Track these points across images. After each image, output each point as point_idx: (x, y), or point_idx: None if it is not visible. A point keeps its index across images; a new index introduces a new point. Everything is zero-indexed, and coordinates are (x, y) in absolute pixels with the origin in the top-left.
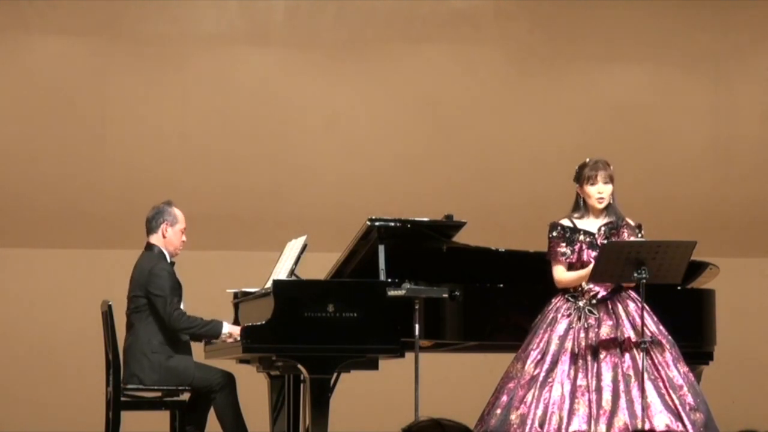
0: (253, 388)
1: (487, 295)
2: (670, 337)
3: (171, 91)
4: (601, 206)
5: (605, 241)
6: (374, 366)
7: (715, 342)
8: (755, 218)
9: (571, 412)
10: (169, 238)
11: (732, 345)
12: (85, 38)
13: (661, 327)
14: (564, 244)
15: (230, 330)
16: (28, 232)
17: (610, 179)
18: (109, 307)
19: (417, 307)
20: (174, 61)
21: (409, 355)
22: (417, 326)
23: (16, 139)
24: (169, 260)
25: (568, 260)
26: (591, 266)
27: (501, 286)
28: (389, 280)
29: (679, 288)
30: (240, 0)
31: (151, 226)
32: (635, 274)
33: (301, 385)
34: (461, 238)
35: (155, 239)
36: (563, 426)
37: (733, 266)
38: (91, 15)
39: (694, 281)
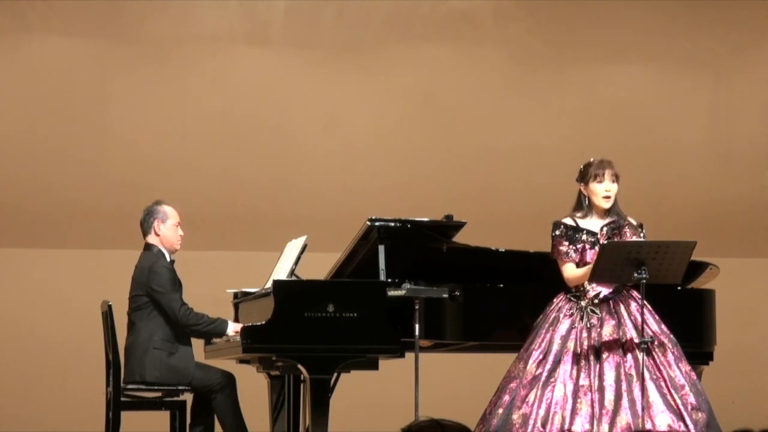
0: (253, 388)
1: (487, 295)
2: (672, 336)
3: (171, 91)
4: (608, 205)
5: (605, 242)
6: (374, 366)
7: (715, 342)
8: (755, 218)
9: (574, 412)
10: (163, 234)
11: (732, 345)
12: (86, 38)
13: (663, 326)
14: (567, 243)
15: (235, 329)
16: (28, 232)
17: (616, 178)
18: (109, 307)
19: (417, 307)
20: (174, 61)
21: (409, 355)
22: (417, 326)
23: (16, 139)
24: (168, 258)
25: (571, 259)
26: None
27: (501, 286)
28: (389, 280)
29: (679, 288)
30: (240, 0)
31: (144, 228)
32: (635, 275)
33: (301, 385)
34: (461, 238)
35: (151, 239)
36: (566, 426)
37: (733, 266)
38: (91, 15)
39: (694, 281)
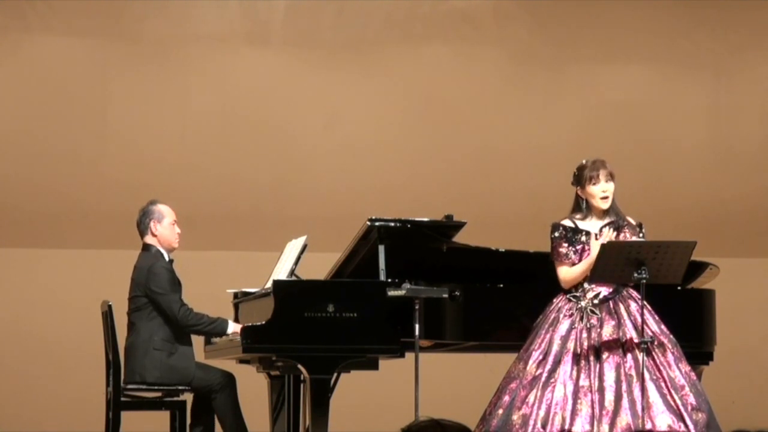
0: (253, 388)
1: (487, 295)
2: (671, 336)
3: (171, 91)
4: (606, 205)
5: (605, 242)
6: (374, 366)
7: (715, 342)
8: (755, 218)
9: (574, 412)
10: (160, 234)
11: (732, 345)
12: (86, 38)
13: (662, 326)
14: (566, 245)
15: (235, 329)
16: (28, 232)
17: (612, 177)
18: (109, 307)
19: (417, 307)
20: (174, 61)
21: (409, 355)
22: (417, 326)
23: (17, 139)
24: (167, 258)
25: (571, 261)
26: (591, 255)
27: (501, 286)
28: (389, 280)
29: (679, 288)
30: (240, 0)
31: (141, 229)
32: (635, 275)
33: (301, 385)
34: (461, 238)
35: (149, 239)
36: (566, 426)
37: (733, 266)
38: (91, 15)
39: (694, 281)
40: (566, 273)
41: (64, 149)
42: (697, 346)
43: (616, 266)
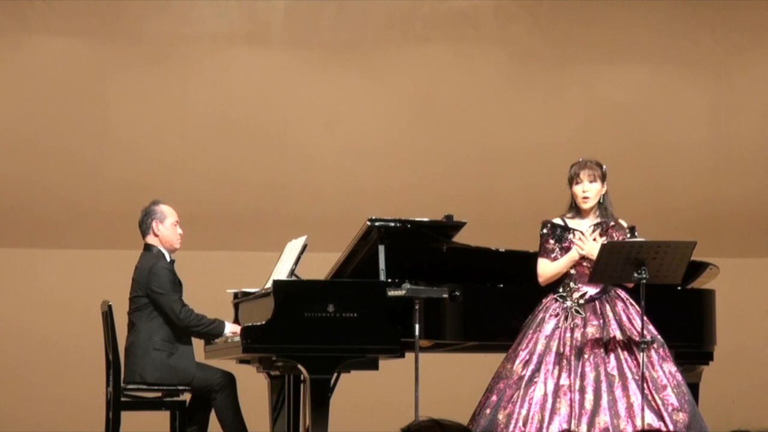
0: (253, 388)
1: (487, 295)
2: (659, 336)
3: (171, 91)
4: (586, 206)
5: (605, 241)
6: (374, 366)
7: (715, 342)
8: (755, 218)
9: (553, 411)
10: (162, 234)
11: (732, 345)
12: (85, 38)
13: (650, 326)
14: (553, 241)
15: (232, 330)
16: (28, 232)
17: (597, 178)
18: (109, 307)
19: (417, 307)
20: (174, 61)
21: (409, 355)
22: (417, 326)
23: (17, 139)
24: (168, 258)
25: (555, 257)
26: (571, 252)
27: (501, 286)
28: (389, 280)
29: (679, 288)
30: (240, 0)
31: (143, 229)
32: (635, 275)
33: (301, 385)
34: (461, 238)
35: (151, 239)
36: (544, 426)
37: (733, 266)
38: (91, 15)
39: (694, 281)
40: (544, 267)
41: (64, 149)
42: (697, 346)
43: (616, 266)
